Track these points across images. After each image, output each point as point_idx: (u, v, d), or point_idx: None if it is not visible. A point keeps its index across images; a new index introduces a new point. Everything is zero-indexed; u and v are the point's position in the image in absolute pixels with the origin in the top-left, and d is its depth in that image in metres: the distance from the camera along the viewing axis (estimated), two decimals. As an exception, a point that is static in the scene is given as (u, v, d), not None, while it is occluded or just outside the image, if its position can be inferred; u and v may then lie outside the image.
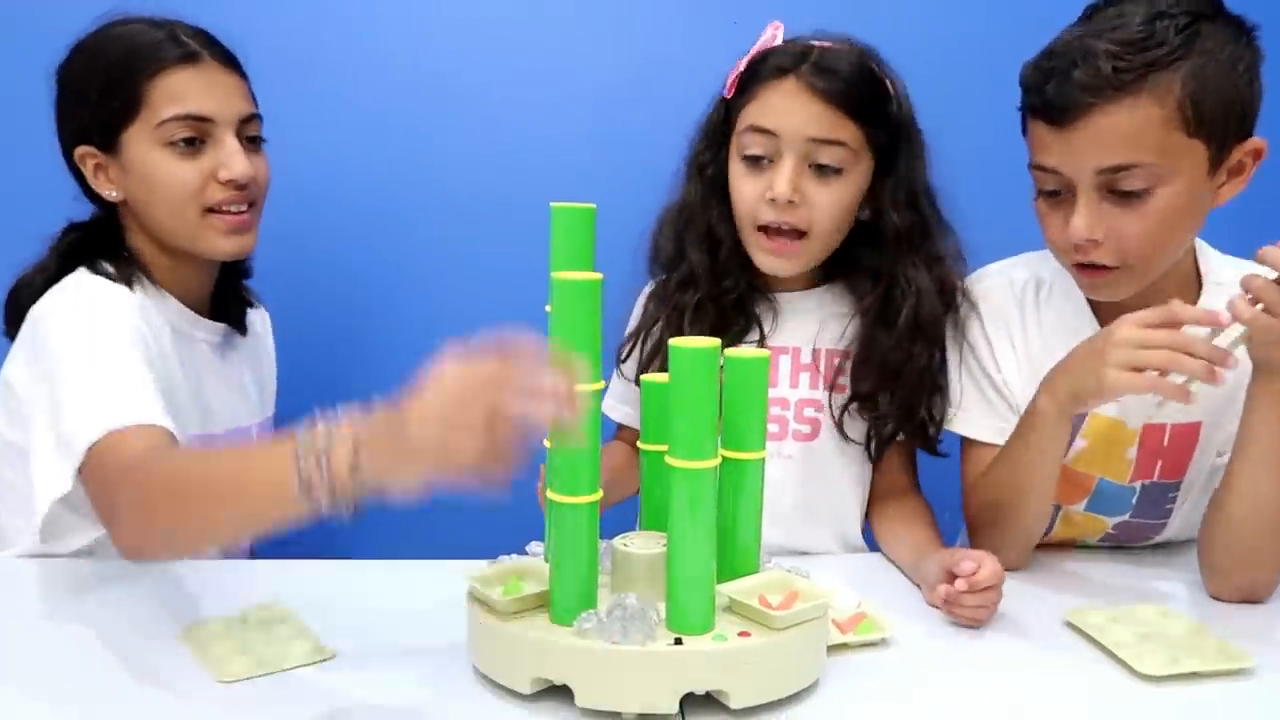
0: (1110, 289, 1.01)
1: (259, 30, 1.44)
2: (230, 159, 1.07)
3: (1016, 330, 1.11)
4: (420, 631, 0.88)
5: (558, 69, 1.52)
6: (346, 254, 1.55)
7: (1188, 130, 0.92)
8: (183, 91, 1.06)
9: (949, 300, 1.13)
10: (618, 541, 0.83)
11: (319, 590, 0.96)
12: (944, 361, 1.14)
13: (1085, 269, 1.00)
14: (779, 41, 1.11)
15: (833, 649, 0.85)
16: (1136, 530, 1.12)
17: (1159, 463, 1.07)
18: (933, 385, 1.13)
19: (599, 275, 0.76)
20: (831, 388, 1.16)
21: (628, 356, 1.19)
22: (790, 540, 1.14)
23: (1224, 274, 1.05)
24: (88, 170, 1.09)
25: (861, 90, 1.07)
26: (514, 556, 0.86)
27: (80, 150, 1.08)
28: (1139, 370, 0.88)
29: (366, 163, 1.52)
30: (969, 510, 1.12)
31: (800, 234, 1.09)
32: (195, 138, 1.07)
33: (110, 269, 1.08)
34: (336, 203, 1.52)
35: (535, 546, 0.88)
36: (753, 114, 1.09)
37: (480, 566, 0.84)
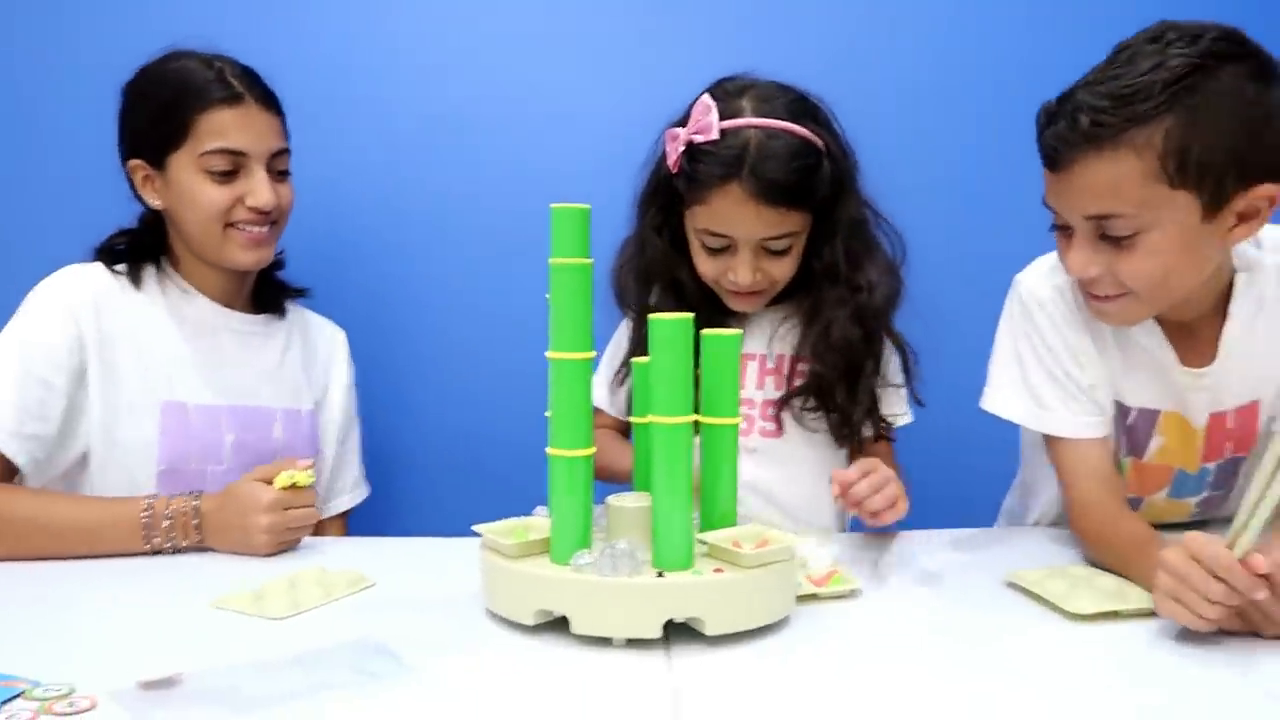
0: (1121, 315, 1.05)
1: (299, 55, 1.57)
2: (258, 189, 1.25)
3: (1090, 338, 1.13)
4: (437, 589, 1.01)
5: (567, 99, 1.66)
6: (375, 264, 1.69)
7: (1170, 183, 0.93)
8: (224, 128, 1.23)
9: (868, 326, 1.24)
10: (611, 499, 0.95)
11: (340, 562, 1.09)
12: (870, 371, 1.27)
13: (1092, 297, 1.05)
14: (713, 125, 1.14)
15: (806, 598, 0.96)
16: (1219, 502, 1.21)
17: (1228, 444, 1.14)
18: (849, 388, 1.25)
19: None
20: (789, 388, 1.28)
21: (623, 382, 1.32)
22: None
23: (1266, 248, 1.06)
24: (137, 180, 1.27)
25: (800, 183, 1.15)
26: (522, 517, 0.98)
27: (133, 162, 1.26)
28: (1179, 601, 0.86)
29: (383, 190, 1.67)
30: (1068, 509, 1.15)
31: (764, 291, 1.23)
32: (230, 169, 1.24)
33: (122, 267, 1.26)
34: (366, 222, 1.68)
35: (540, 510, 1.00)
36: (705, 218, 1.18)
37: (492, 524, 0.96)
